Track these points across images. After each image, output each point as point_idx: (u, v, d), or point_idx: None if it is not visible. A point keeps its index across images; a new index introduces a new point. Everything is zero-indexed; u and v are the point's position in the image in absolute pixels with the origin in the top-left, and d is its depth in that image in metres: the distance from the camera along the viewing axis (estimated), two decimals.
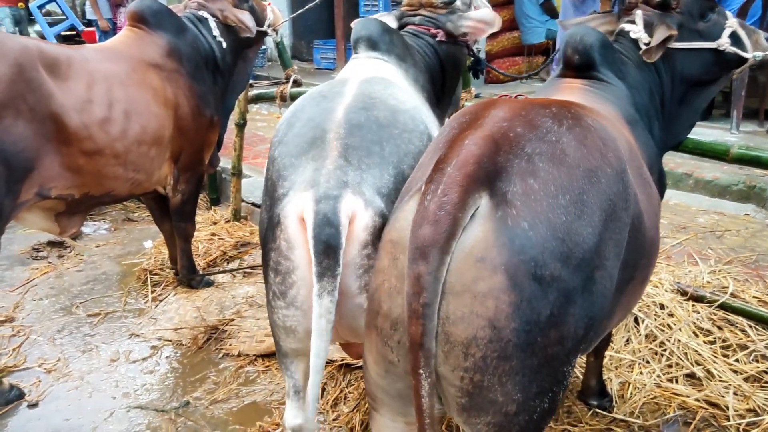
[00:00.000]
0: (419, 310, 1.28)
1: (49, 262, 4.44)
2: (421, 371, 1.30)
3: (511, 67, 8.06)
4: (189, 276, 3.88)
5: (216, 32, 3.43)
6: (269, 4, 3.82)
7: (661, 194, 2.16)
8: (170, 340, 3.42)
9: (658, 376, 2.82)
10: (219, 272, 4.08)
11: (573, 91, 2.04)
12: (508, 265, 1.28)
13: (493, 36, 6.62)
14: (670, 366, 2.89)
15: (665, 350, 2.95)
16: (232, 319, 3.56)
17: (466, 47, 2.85)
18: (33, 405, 2.91)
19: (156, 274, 4.09)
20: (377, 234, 1.69)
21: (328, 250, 1.65)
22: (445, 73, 2.78)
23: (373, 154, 1.81)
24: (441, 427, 1.77)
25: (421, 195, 1.36)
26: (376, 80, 2.12)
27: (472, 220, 1.31)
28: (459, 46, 2.80)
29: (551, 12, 7.55)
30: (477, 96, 5.66)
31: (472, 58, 3.05)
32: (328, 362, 3.05)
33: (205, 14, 3.46)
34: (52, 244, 4.67)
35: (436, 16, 2.73)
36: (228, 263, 4.20)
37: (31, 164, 2.72)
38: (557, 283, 1.31)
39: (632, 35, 2.18)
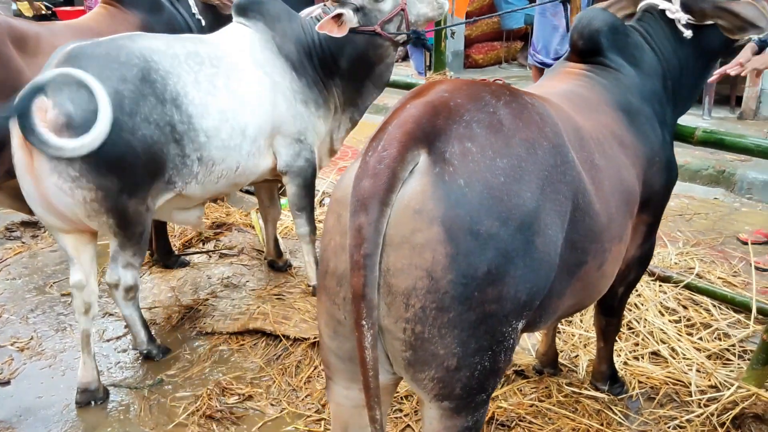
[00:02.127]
0: (360, 261, 1.31)
1: (23, 242, 4.41)
2: (364, 322, 1.33)
3: (489, 52, 8.09)
4: (164, 256, 3.88)
5: (195, 10, 3.41)
6: None
7: (670, 184, 2.19)
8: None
9: (626, 354, 2.89)
10: (194, 253, 4.08)
11: (568, 76, 2.07)
12: (444, 217, 1.33)
13: (472, 21, 6.63)
14: (636, 345, 2.96)
15: (632, 330, 3.02)
16: (207, 299, 3.58)
17: (379, 36, 2.99)
18: (5, 383, 2.91)
19: None
20: None
21: None
22: (337, 58, 3.06)
23: None
24: (390, 397, 1.80)
25: (363, 153, 1.42)
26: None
27: (411, 176, 1.36)
28: (366, 35, 2.99)
29: None
30: None
31: (413, 35, 3.08)
32: (302, 340, 3.09)
33: None
34: (25, 224, 4.63)
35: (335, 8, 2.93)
36: (204, 244, 4.20)
37: (2, 142, 2.68)
38: (494, 240, 1.35)
39: (669, 15, 2.19)
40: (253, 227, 4.39)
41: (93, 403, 2.76)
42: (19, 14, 8.27)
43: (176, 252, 4.04)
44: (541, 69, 6.22)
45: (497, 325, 1.41)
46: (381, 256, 1.35)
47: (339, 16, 2.92)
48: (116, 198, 2.49)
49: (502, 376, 1.55)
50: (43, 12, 9.52)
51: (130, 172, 2.49)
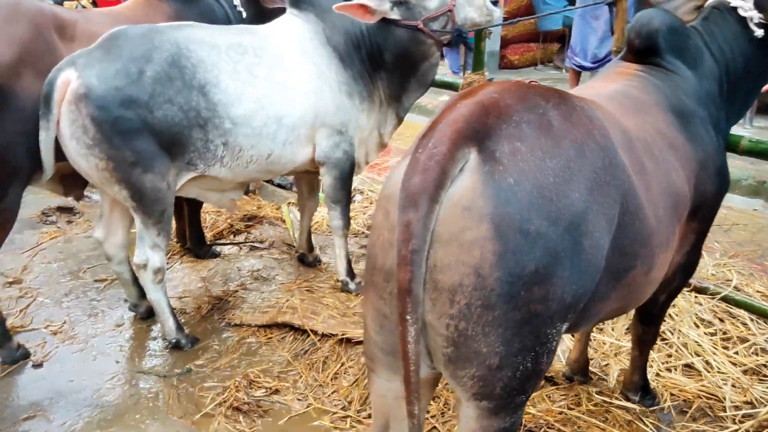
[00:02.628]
0: (408, 256, 1.33)
1: (58, 227, 4.49)
2: (408, 317, 1.35)
3: (525, 53, 8.01)
4: (197, 245, 3.91)
5: (237, 1, 3.43)
6: None
7: (722, 191, 2.15)
8: (174, 308, 3.45)
9: (658, 365, 2.83)
10: (225, 244, 4.10)
11: (621, 76, 2.05)
12: (493, 215, 1.34)
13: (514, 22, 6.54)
14: (669, 356, 2.90)
15: (666, 340, 2.96)
16: (237, 291, 3.60)
17: (420, 31, 2.98)
18: (38, 365, 2.95)
19: None
20: None
21: None
22: (382, 51, 3.06)
23: None
24: (430, 393, 1.79)
25: (413, 150, 1.43)
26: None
27: (461, 173, 1.37)
28: (409, 30, 2.99)
29: None
30: (490, 80, 5.65)
31: (455, 33, 3.05)
32: (330, 336, 3.08)
33: None
34: (61, 209, 4.71)
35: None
36: (235, 236, 4.22)
37: None
38: (543, 240, 1.36)
39: (740, 12, 2.15)
40: (284, 221, 4.40)
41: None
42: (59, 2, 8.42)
43: (208, 242, 4.07)
44: (578, 72, 6.15)
45: (541, 326, 1.41)
46: (428, 253, 1.36)
47: (365, 6, 2.89)
48: (128, 170, 2.62)
49: (542, 378, 1.54)
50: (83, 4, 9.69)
51: (144, 148, 2.60)
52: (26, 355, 2.97)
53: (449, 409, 2.59)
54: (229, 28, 2.99)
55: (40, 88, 2.64)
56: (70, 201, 4.84)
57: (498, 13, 3.13)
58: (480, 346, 1.39)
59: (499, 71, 7.07)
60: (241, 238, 4.23)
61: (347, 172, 3.20)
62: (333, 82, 3.05)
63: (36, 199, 4.85)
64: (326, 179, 3.20)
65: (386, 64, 3.12)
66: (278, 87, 2.88)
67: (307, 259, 3.81)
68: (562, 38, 7.89)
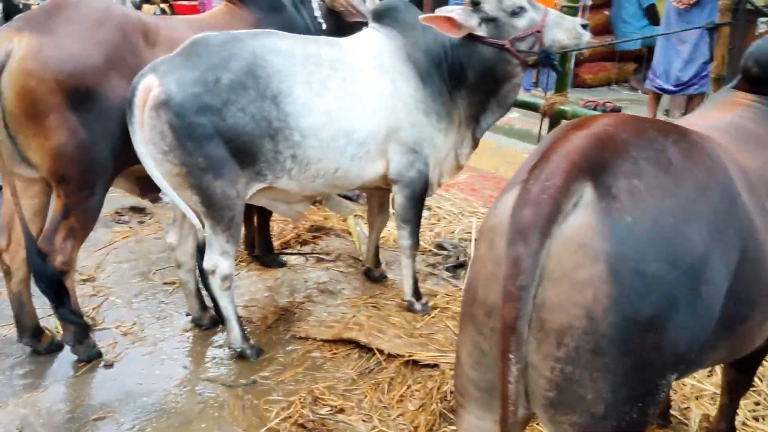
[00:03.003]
0: (515, 292, 1.29)
1: (130, 227, 4.58)
2: (511, 356, 1.29)
3: (600, 72, 7.80)
4: (265, 253, 3.92)
5: (317, 13, 3.44)
6: None
7: None
8: (240, 317, 3.46)
9: (745, 413, 2.66)
10: (292, 254, 4.10)
11: (735, 106, 1.94)
12: (610, 254, 1.28)
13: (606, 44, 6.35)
14: (757, 404, 2.72)
15: (754, 388, 2.78)
16: (302, 303, 3.58)
17: (506, 50, 2.92)
18: (109, 366, 3.00)
19: None
20: None
21: None
22: (464, 68, 3.00)
23: None
24: (523, 430, 1.72)
25: (523, 181, 1.38)
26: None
27: (575, 208, 1.32)
28: (494, 48, 2.93)
29: (653, 18, 7.23)
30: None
31: (542, 55, 2.96)
32: (396, 357, 3.02)
33: None
34: (134, 209, 4.81)
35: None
36: (301, 246, 4.22)
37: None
38: (661, 284, 1.29)
39: None
40: (350, 233, 4.38)
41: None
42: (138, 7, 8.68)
43: (275, 251, 4.08)
44: (658, 95, 5.94)
45: (652, 375, 1.34)
46: (536, 290, 1.31)
47: (452, 20, 2.85)
48: (200, 176, 2.65)
49: (646, 430, 1.44)
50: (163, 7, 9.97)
51: (215, 154, 2.63)
52: (99, 355, 3.02)
53: None
54: (309, 38, 2.99)
55: (125, 89, 2.70)
56: (142, 201, 4.94)
57: (588, 36, 3.02)
58: (585, 392, 1.32)
59: (572, 90, 6.87)
60: (307, 248, 4.22)
61: (420, 192, 3.14)
62: (410, 100, 3.00)
63: (110, 198, 4.88)
64: (398, 198, 3.15)
65: (468, 82, 3.05)
66: (349, 101, 2.85)
67: (373, 274, 3.77)
68: (638, 58, 7.66)
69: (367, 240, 4.27)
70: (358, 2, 3.47)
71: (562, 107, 3.33)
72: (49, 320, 3.29)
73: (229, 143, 2.65)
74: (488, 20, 2.90)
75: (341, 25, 3.58)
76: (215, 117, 2.60)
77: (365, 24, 3.68)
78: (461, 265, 3.95)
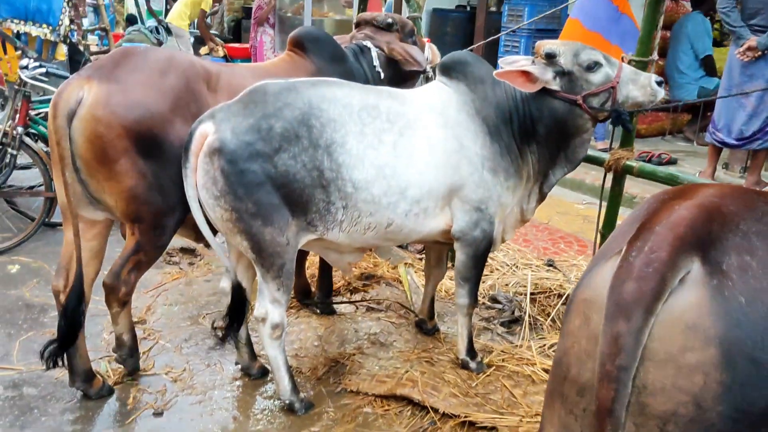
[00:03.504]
0: (613, 372, 1.22)
1: (180, 269, 4.58)
2: None
3: (653, 122, 7.67)
4: (323, 300, 3.91)
5: (376, 62, 3.43)
6: (428, 40, 3.80)
7: None
8: (290, 366, 3.39)
9: None
10: (343, 303, 4.02)
11: None
12: (723, 338, 1.19)
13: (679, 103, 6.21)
14: None
15: None
16: (353, 354, 3.49)
17: (578, 106, 2.84)
18: (158, 414, 2.94)
19: None
20: None
21: None
22: (535, 122, 2.93)
23: None
24: None
25: (623, 252, 1.31)
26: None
27: (682, 285, 1.24)
28: (566, 103, 2.86)
29: (710, 69, 7.11)
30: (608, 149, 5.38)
31: (613, 113, 2.88)
32: (451, 416, 2.90)
33: (368, 44, 3.47)
34: (184, 250, 4.82)
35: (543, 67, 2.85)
36: (351, 294, 4.15)
37: None
38: None
39: None
40: (401, 282, 4.30)
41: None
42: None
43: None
44: (719, 148, 5.77)
45: None
46: (637, 371, 1.22)
47: (527, 73, 2.80)
48: (250, 222, 2.62)
49: None
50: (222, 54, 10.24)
51: (265, 201, 2.60)
52: (110, 392, 3.09)
53: None
54: (371, 89, 2.95)
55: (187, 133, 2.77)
56: (192, 243, 4.98)
57: (662, 93, 2.92)
58: None
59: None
60: (357, 296, 4.14)
61: (483, 250, 3.05)
62: (475, 157, 2.91)
63: None
64: (459, 255, 3.06)
65: (538, 136, 2.97)
66: (404, 157, 2.77)
67: (425, 327, 3.66)
68: (694, 109, 7.51)
69: (417, 290, 4.21)
70: (416, 52, 3.46)
71: (629, 162, 3.22)
72: (100, 363, 3.27)
73: (279, 190, 2.62)
74: (562, 74, 2.84)
75: (399, 74, 3.57)
76: (266, 164, 2.58)
77: (421, 73, 3.68)
78: (516, 320, 3.82)
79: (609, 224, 3.45)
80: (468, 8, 9.91)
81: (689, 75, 6.86)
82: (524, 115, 2.96)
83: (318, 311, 3.91)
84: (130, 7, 13.88)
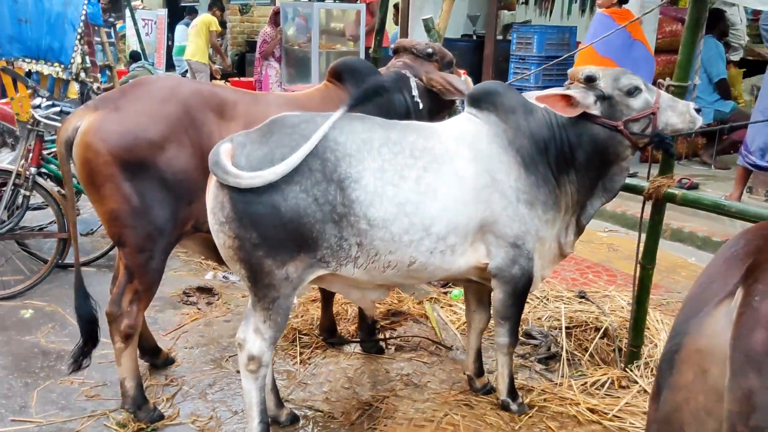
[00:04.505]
0: None
1: (199, 309, 4.44)
2: None
3: None
4: (365, 339, 3.80)
5: (415, 92, 3.34)
6: (465, 72, 3.72)
7: None
8: (321, 411, 3.23)
9: None
10: (373, 341, 3.84)
11: None
12: None
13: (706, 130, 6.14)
14: None
15: None
16: (387, 397, 3.33)
17: (620, 133, 2.78)
18: None
19: (305, 334, 3.95)
20: None
21: None
22: (574, 149, 2.84)
23: None
24: None
25: (742, 297, 1.19)
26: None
27: None
28: (608, 129, 2.79)
29: (725, 92, 7.05)
30: (633, 174, 5.28)
31: (656, 138, 2.81)
32: None
33: (408, 74, 3.38)
34: (201, 289, 4.69)
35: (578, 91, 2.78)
36: (378, 332, 3.99)
37: (191, 196, 2.91)
38: None
39: None
40: (428, 318, 4.15)
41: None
42: None
43: (348, 337, 3.88)
44: (748, 171, 5.65)
45: None
46: None
47: (569, 98, 2.71)
48: (250, 252, 2.51)
49: None
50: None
51: (270, 233, 2.48)
52: (161, 417, 3.11)
53: None
54: (395, 124, 2.79)
55: (182, 161, 2.86)
56: (209, 281, 4.85)
57: (701, 121, 2.85)
58: None
59: (639, 164, 6.68)
60: (385, 334, 3.99)
61: (522, 288, 2.90)
62: (509, 191, 2.77)
63: (177, 277, 4.88)
64: (497, 293, 2.91)
65: (577, 164, 2.87)
66: (428, 193, 2.62)
67: (475, 385, 3.34)
68: (710, 133, 7.42)
69: (446, 326, 4.07)
70: (457, 81, 3.37)
71: (671, 190, 3.11)
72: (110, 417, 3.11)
73: (287, 223, 2.48)
74: (603, 99, 2.76)
75: (436, 104, 3.48)
76: (276, 195, 2.46)
77: (445, 106, 3.59)
78: (553, 356, 3.67)
79: (649, 256, 3.33)
80: (474, 37, 9.91)
81: (704, 99, 6.78)
82: (561, 142, 2.86)
83: (362, 349, 3.79)
84: (133, 45, 13.96)
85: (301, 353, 3.76)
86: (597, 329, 3.77)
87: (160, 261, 2.95)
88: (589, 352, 3.65)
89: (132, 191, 2.79)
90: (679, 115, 2.82)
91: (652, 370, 3.43)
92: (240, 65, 13.93)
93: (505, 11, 10.44)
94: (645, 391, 3.30)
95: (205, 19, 10.77)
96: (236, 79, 12.19)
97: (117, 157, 2.76)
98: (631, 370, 3.44)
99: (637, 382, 3.36)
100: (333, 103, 3.14)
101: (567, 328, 3.80)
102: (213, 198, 2.52)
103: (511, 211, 2.76)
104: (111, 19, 13.05)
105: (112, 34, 11.97)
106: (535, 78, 7.79)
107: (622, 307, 4.06)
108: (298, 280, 2.60)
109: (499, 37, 9.32)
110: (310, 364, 3.67)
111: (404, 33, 8.99)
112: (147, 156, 2.79)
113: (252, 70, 11.41)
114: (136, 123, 2.80)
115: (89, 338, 3.10)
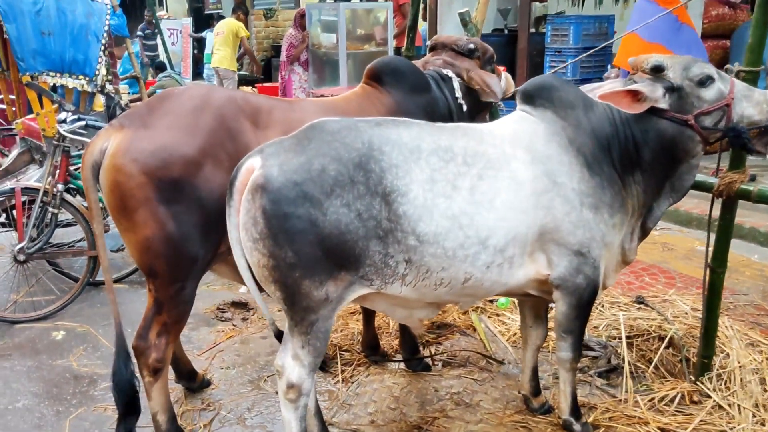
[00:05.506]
0: None
1: (234, 325, 4.25)
2: None
3: None
4: (409, 357, 3.56)
5: (458, 93, 3.10)
6: (504, 69, 3.47)
7: None
8: None
9: None
10: (418, 358, 3.61)
11: None
12: None
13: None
14: None
15: None
16: (437, 418, 3.10)
17: (691, 127, 2.51)
18: None
19: (346, 350, 3.74)
20: None
21: None
22: (639, 147, 2.60)
23: None
24: None
25: None
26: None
27: None
28: (677, 124, 2.53)
29: None
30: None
31: (730, 133, 2.53)
32: None
33: (450, 73, 3.15)
34: (235, 304, 4.51)
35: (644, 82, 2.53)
36: (424, 348, 3.75)
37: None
38: None
39: None
40: (476, 329, 3.91)
41: None
42: None
43: (392, 354, 3.66)
44: None
45: None
46: None
47: (637, 92, 2.45)
48: (286, 272, 2.28)
49: None
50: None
51: (307, 251, 2.25)
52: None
53: None
54: (445, 128, 2.55)
55: (220, 177, 2.55)
56: (244, 296, 4.66)
57: None
58: None
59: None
60: (432, 349, 3.75)
61: (587, 299, 2.64)
62: (572, 194, 2.51)
63: (211, 292, 4.71)
64: (560, 305, 2.65)
65: (643, 163, 2.60)
66: (485, 202, 2.38)
67: (532, 405, 3.10)
68: None
69: (495, 338, 3.82)
70: (494, 82, 3.12)
71: (744, 186, 2.82)
72: None
73: (326, 240, 2.25)
74: (671, 90, 2.49)
75: (476, 104, 3.24)
76: (315, 209, 2.22)
77: (484, 106, 3.34)
78: (614, 369, 3.39)
79: (720, 258, 3.04)
80: (506, 31, 9.62)
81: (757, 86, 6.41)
82: (626, 139, 2.60)
83: (407, 368, 3.55)
84: (159, 55, 13.96)
85: (342, 371, 3.55)
86: (661, 338, 3.48)
87: (192, 290, 2.71)
88: (653, 364, 3.37)
89: (168, 215, 2.52)
90: (755, 105, 2.55)
91: (725, 383, 3.15)
92: (266, 70, 13.82)
93: (537, 3, 10.13)
94: (720, 406, 3.02)
95: (231, 25, 10.58)
96: (263, 84, 12.09)
97: (151, 177, 2.49)
98: (703, 383, 3.15)
99: (710, 397, 3.08)
100: (373, 107, 2.92)
101: (627, 337, 3.52)
102: (245, 212, 2.30)
103: (574, 217, 2.51)
104: (148, 32, 13.10)
105: (137, 44, 12.00)
106: (572, 70, 7.49)
107: (686, 313, 3.77)
108: (338, 300, 2.38)
109: (532, 30, 9.02)
110: (353, 383, 3.45)
111: (433, 29, 8.76)
112: (183, 174, 2.52)
113: (278, 75, 11.28)
114: (169, 139, 2.53)
115: (129, 411, 2.74)
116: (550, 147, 2.55)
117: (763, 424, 2.87)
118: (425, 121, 2.63)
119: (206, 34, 13.41)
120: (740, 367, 3.19)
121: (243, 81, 11.77)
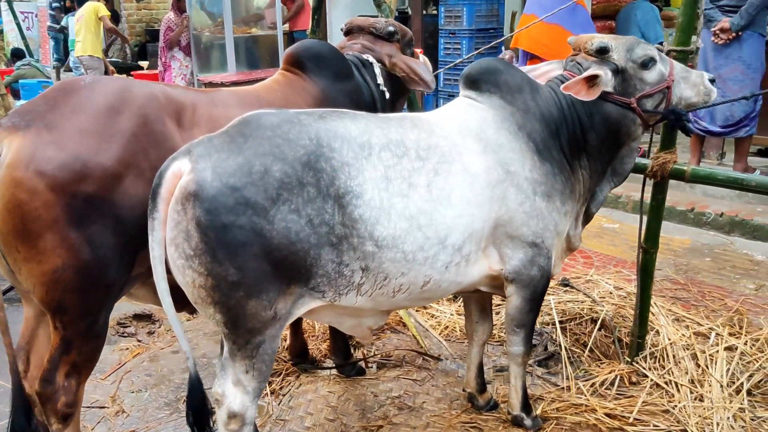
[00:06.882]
0: None
1: (139, 341, 3.84)
2: None
3: None
4: (341, 362, 3.33)
5: (380, 80, 2.87)
6: (421, 52, 3.29)
7: None
8: None
9: None
10: (347, 364, 3.38)
11: None
12: None
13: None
14: None
15: None
16: (381, 426, 2.91)
17: (633, 110, 2.48)
18: None
19: None
20: None
21: None
22: (585, 131, 2.51)
23: None
24: None
25: None
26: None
27: None
28: (620, 107, 2.49)
29: None
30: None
31: (671, 116, 2.53)
32: None
33: (370, 58, 2.91)
34: (138, 317, 4.08)
35: (590, 65, 2.47)
36: (355, 350, 3.53)
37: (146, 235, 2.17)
38: None
39: None
40: (406, 325, 3.75)
41: None
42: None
43: (323, 361, 3.43)
44: (701, 138, 5.57)
45: None
46: None
47: (594, 77, 2.36)
48: (228, 291, 1.98)
49: None
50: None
51: (253, 267, 1.96)
52: None
53: None
54: (390, 120, 2.33)
55: (141, 190, 2.13)
56: (147, 307, 4.22)
57: (716, 93, 2.57)
58: None
59: None
60: (363, 351, 3.55)
61: (540, 292, 2.54)
62: (525, 183, 2.39)
63: None
64: (513, 299, 2.53)
65: (589, 147, 2.53)
66: (443, 199, 2.21)
67: (478, 403, 2.97)
68: None
69: (426, 332, 3.68)
70: (422, 69, 2.91)
71: (678, 166, 2.83)
72: None
73: (273, 253, 1.98)
74: (615, 72, 2.43)
75: (396, 90, 3.03)
76: (259, 218, 1.94)
77: (403, 91, 3.15)
78: (551, 356, 3.35)
79: (652, 238, 3.05)
80: (397, 13, 9.48)
81: None
82: (573, 123, 2.51)
83: (341, 374, 3.32)
84: (13, 41, 12.68)
85: (270, 383, 3.26)
86: (593, 321, 3.49)
87: (105, 321, 2.28)
88: (588, 347, 3.36)
89: (81, 240, 2.07)
90: (692, 87, 2.55)
91: (659, 361, 3.18)
92: (141, 57, 12.90)
93: None
94: (658, 385, 3.05)
95: (91, 7, 9.57)
96: (140, 72, 11.25)
97: (62, 195, 2.03)
98: (638, 363, 3.17)
99: (647, 376, 3.10)
100: (299, 96, 2.64)
101: (560, 322, 3.49)
102: (174, 225, 1.96)
103: (528, 207, 2.38)
104: None
105: None
106: (467, 52, 7.49)
107: (610, 293, 3.81)
108: (286, 317, 2.11)
109: (425, 12, 8.95)
110: (284, 396, 3.18)
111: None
112: (100, 190, 2.08)
113: (155, 62, 10.51)
114: (83, 146, 2.07)
115: None
116: (501, 134, 2.40)
117: (701, 400, 2.92)
118: (370, 113, 2.38)
119: (67, 20, 12.23)
120: (671, 344, 3.23)
121: (120, 69, 10.87)
